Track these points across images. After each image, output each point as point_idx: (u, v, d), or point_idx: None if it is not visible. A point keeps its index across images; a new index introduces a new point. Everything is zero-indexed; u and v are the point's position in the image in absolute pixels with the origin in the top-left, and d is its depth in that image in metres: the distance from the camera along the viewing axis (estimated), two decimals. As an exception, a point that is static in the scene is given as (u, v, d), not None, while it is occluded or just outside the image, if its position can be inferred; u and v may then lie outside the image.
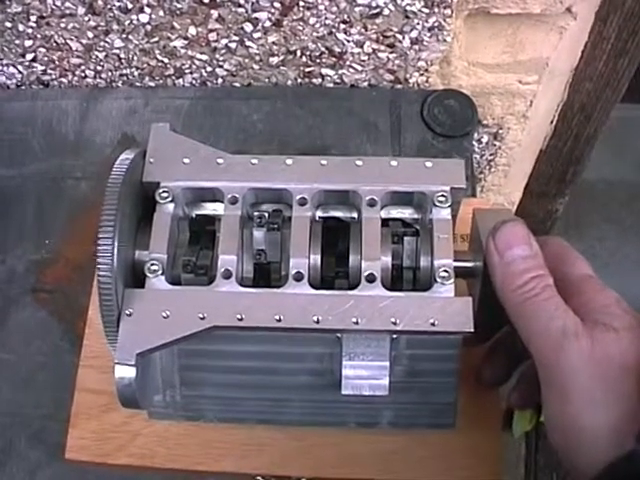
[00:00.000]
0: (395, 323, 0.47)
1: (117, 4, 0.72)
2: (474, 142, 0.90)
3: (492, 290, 0.47)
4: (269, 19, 0.72)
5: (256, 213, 0.51)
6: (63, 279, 0.70)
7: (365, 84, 0.80)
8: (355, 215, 0.53)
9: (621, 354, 0.42)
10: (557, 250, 0.49)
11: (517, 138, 0.91)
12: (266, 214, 0.51)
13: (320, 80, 0.80)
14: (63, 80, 0.82)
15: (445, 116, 0.77)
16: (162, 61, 0.78)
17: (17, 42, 0.77)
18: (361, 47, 0.75)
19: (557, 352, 0.43)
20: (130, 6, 0.72)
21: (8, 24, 0.75)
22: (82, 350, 0.63)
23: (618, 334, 0.42)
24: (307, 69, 0.79)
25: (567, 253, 0.49)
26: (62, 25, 0.74)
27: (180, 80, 0.81)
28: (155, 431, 0.60)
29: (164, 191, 0.51)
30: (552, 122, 0.92)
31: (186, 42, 0.76)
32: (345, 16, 0.72)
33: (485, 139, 0.91)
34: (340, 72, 0.79)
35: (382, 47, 0.75)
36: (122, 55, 0.78)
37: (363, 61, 0.77)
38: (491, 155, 0.94)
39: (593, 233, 1.61)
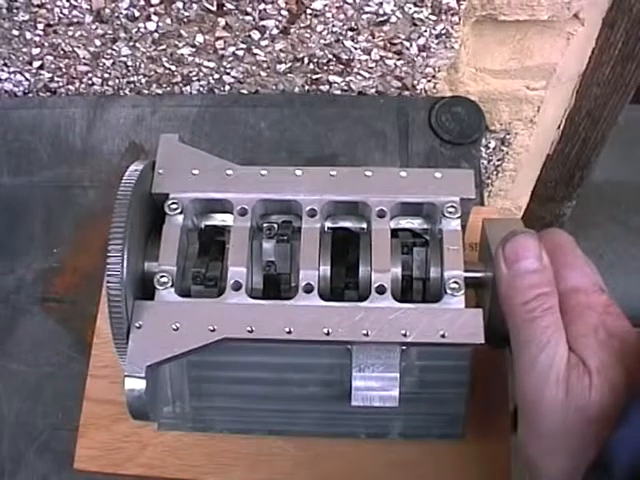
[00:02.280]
0: (405, 335, 0.47)
1: (124, 12, 0.72)
2: (481, 148, 0.90)
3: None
4: (276, 27, 0.72)
5: (265, 225, 0.51)
6: (71, 288, 0.70)
7: (373, 91, 0.80)
8: (365, 226, 0.53)
9: (588, 406, 0.43)
10: (550, 254, 0.47)
11: (524, 143, 0.90)
12: (275, 225, 0.51)
13: (328, 87, 0.80)
14: (70, 88, 0.82)
15: (453, 123, 0.76)
16: (169, 69, 0.78)
17: (24, 50, 0.77)
18: (368, 54, 0.75)
19: (535, 393, 0.44)
20: (137, 14, 0.72)
21: (15, 32, 0.75)
22: (90, 360, 0.63)
23: (591, 380, 0.43)
24: (314, 76, 0.78)
25: (559, 257, 0.48)
26: (69, 33, 0.74)
27: (187, 88, 0.81)
28: (165, 441, 0.60)
29: (173, 202, 0.51)
30: (559, 127, 0.91)
31: (193, 50, 0.76)
32: (352, 23, 0.72)
33: (493, 144, 0.90)
34: (347, 79, 0.79)
35: (389, 54, 0.75)
36: (129, 63, 0.78)
37: (370, 68, 0.77)
38: (498, 160, 0.93)
39: (600, 234, 1.61)
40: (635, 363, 0.43)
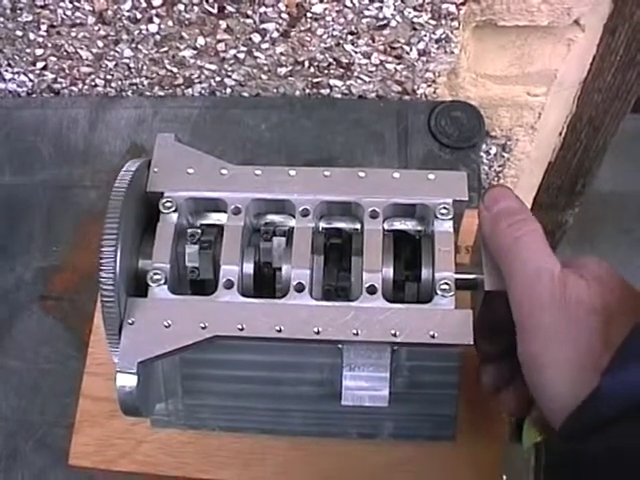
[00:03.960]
0: (395, 335, 0.47)
1: (126, 14, 0.72)
2: (482, 154, 0.90)
3: (494, 304, 0.47)
4: (277, 30, 0.73)
5: (263, 227, 0.52)
6: (70, 287, 0.71)
7: (373, 95, 0.81)
8: (357, 226, 0.53)
9: (589, 298, 0.42)
10: None
11: (525, 150, 0.91)
12: (271, 228, 0.51)
13: (328, 91, 0.81)
14: (73, 89, 0.83)
15: (452, 128, 0.77)
16: (171, 71, 0.79)
17: (28, 51, 0.78)
18: (369, 58, 0.76)
19: (530, 288, 0.43)
20: (139, 16, 0.72)
21: (19, 33, 0.76)
22: (87, 357, 0.63)
23: (589, 283, 0.43)
24: (315, 80, 0.79)
25: None
26: (72, 34, 0.75)
27: (189, 90, 0.82)
28: (159, 439, 0.60)
29: (168, 201, 0.52)
30: (561, 134, 0.92)
31: (195, 52, 0.76)
32: (352, 27, 0.72)
33: (493, 150, 0.91)
34: (348, 83, 0.79)
35: (390, 58, 0.76)
36: (132, 64, 0.79)
37: (371, 72, 0.77)
38: (499, 166, 0.94)
39: (605, 244, 1.61)
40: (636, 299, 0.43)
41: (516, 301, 0.44)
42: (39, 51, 0.78)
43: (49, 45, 0.77)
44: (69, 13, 0.73)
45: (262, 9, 0.71)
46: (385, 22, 0.71)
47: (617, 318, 0.41)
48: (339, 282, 0.51)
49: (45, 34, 0.75)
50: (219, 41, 0.75)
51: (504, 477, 0.55)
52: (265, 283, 0.52)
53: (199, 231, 0.51)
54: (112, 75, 0.80)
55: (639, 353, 0.39)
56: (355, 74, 0.78)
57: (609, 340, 0.41)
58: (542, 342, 0.42)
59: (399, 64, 0.76)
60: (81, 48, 0.77)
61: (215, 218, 0.54)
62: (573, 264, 0.45)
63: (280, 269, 0.51)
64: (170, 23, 0.73)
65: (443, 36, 0.73)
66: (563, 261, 0.45)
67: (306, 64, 0.77)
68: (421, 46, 0.74)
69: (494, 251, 0.47)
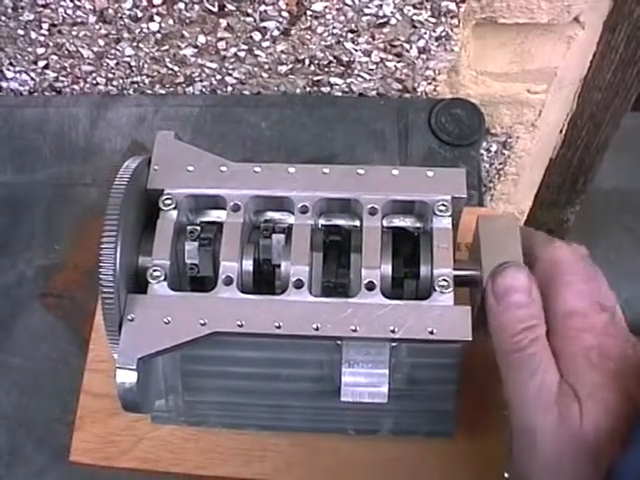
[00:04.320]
0: (394, 331, 0.48)
1: (127, 13, 0.72)
2: (483, 151, 0.90)
3: None
4: (277, 28, 0.73)
5: (262, 224, 0.52)
6: (72, 284, 0.71)
7: (373, 93, 0.81)
8: (356, 223, 0.53)
9: (581, 431, 0.42)
10: (548, 273, 0.47)
11: (526, 147, 0.91)
12: (271, 225, 0.52)
13: (328, 89, 0.81)
14: (75, 87, 0.83)
15: (452, 125, 0.77)
16: (172, 69, 0.79)
17: (29, 49, 0.78)
18: (369, 56, 0.76)
19: (526, 420, 0.44)
20: (140, 15, 0.73)
21: (21, 32, 0.76)
22: (88, 354, 0.63)
23: (581, 408, 0.42)
24: (315, 78, 0.79)
25: (557, 277, 0.47)
26: (74, 33, 0.75)
27: (190, 88, 0.82)
28: (159, 435, 0.60)
29: (167, 198, 0.52)
30: (562, 131, 0.92)
31: (196, 50, 0.77)
32: (353, 25, 0.72)
33: (494, 148, 0.91)
34: (348, 81, 0.79)
35: (390, 56, 0.76)
36: (133, 63, 0.79)
37: (371, 70, 0.78)
38: (500, 164, 0.94)
39: (608, 242, 1.61)
40: (635, 384, 0.43)
41: (514, 426, 0.45)
42: (40, 50, 0.78)
43: (50, 44, 0.77)
44: (70, 12, 0.73)
45: (262, 7, 0.71)
46: (385, 20, 0.71)
47: (607, 450, 0.41)
48: (338, 279, 0.51)
49: (46, 33, 0.76)
50: (220, 39, 0.75)
51: (506, 475, 0.55)
52: (264, 280, 0.52)
53: (199, 228, 0.52)
54: (113, 73, 0.81)
55: None
56: (355, 72, 0.78)
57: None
58: (534, 477, 0.44)
59: (399, 62, 0.76)
60: (82, 47, 0.77)
61: (215, 215, 0.54)
62: (569, 357, 0.45)
63: (279, 266, 0.51)
64: (171, 22, 0.73)
65: (443, 34, 0.73)
66: (563, 344, 0.45)
67: (306, 62, 0.77)
68: (421, 44, 0.74)
69: (496, 349, 0.47)
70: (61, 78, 0.82)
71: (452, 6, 0.70)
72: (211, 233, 0.52)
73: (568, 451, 0.42)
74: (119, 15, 0.73)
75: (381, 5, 0.70)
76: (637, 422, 0.41)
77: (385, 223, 0.52)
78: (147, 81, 0.81)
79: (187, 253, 0.52)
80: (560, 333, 0.45)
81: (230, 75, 0.80)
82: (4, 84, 0.83)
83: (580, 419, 0.42)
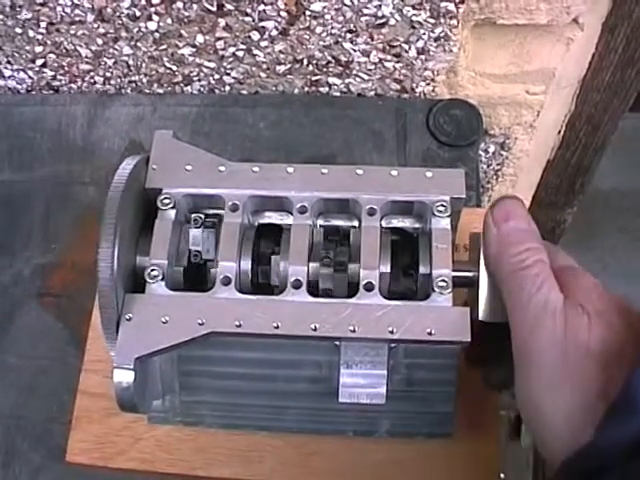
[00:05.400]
0: (392, 332, 0.48)
1: (126, 12, 0.72)
2: (481, 152, 0.90)
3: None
4: (276, 28, 0.73)
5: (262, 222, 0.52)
6: (69, 283, 0.71)
7: (372, 93, 0.81)
8: (355, 224, 0.53)
9: (589, 341, 0.42)
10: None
11: (524, 148, 0.91)
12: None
13: (327, 89, 0.81)
14: (72, 86, 0.83)
15: (451, 126, 0.77)
16: (170, 68, 0.79)
17: (27, 48, 0.78)
18: (367, 56, 0.76)
19: (531, 329, 0.43)
20: (138, 14, 0.72)
21: (19, 30, 0.76)
22: (85, 354, 0.63)
23: (590, 320, 0.42)
24: (314, 78, 0.79)
25: (548, 247, 0.48)
26: (72, 32, 0.75)
27: (188, 87, 0.82)
28: (156, 436, 0.60)
29: (166, 197, 0.52)
30: (560, 132, 0.92)
31: (194, 50, 0.76)
32: (351, 25, 0.72)
33: (492, 149, 0.91)
34: (347, 81, 0.79)
35: (388, 57, 0.76)
36: (131, 62, 0.79)
37: (369, 70, 0.77)
38: (498, 165, 0.94)
39: (605, 243, 1.61)
40: (637, 320, 0.43)
41: (517, 338, 0.44)
42: (38, 48, 0.78)
43: (48, 42, 0.77)
44: (68, 10, 0.73)
45: (261, 7, 0.71)
46: (384, 20, 0.71)
47: (616, 364, 0.41)
48: (336, 279, 0.51)
49: (44, 31, 0.75)
50: (218, 39, 0.75)
51: (502, 475, 0.55)
52: (262, 280, 0.52)
53: (202, 216, 0.52)
54: (111, 72, 0.80)
55: (631, 408, 0.39)
56: (354, 72, 0.78)
57: (605, 391, 0.41)
58: (541, 389, 0.43)
59: (398, 62, 0.76)
60: (80, 45, 0.77)
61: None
62: (574, 288, 0.45)
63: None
64: (169, 21, 0.73)
65: (442, 34, 0.73)
66: (565, 281, 0.45)
67: (305, 62, 0.77)
68: (420, 44, 0.74)
69: (497, 274, 0.47)
70: (59, 77, 0.82)
71: (451, 7, 0.70)
72: (214, 219, 0.52)
73: (574, 357, 0.42)
74: (117, 14, 0.73)
75: (380, 5, 0.70)
76: (621, 392, 0.40)
77: (384, 224, 0.52)
78: (145, 80, 0.81)
79: (192, 239, 0.52)
80: (560, 279, 0.45)
81: (228, 75, 0.80)
82: (2, 82, 0.83)
83: (588, 332, 0.42)
